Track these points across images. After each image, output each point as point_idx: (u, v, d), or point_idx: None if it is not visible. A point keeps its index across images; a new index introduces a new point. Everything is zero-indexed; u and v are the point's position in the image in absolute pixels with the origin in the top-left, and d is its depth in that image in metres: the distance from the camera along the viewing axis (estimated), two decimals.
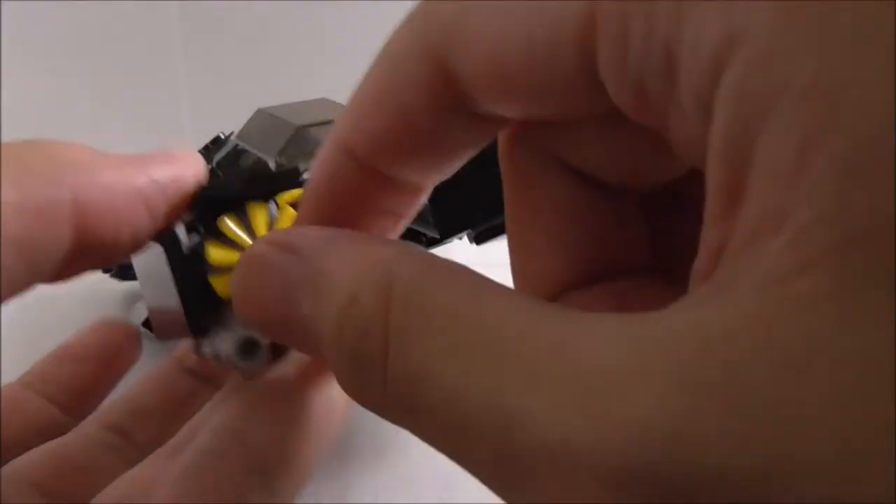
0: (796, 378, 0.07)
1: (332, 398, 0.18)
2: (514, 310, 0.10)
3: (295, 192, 0.20)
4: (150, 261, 0.17)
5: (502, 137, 0.14)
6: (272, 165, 0.22)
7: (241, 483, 0.16)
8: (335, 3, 0.57)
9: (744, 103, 0.08)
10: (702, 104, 0.09)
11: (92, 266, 0.17)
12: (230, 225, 0.18)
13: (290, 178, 0.20)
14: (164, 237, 0.18)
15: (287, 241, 0.13)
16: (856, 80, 0.07)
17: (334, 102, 0.25)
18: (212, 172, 0.31)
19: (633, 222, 0.14)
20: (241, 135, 0.23)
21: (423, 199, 0.15)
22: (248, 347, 0.17)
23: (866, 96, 0.07)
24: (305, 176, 0.21)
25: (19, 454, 0.20)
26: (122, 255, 0.17)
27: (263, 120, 0.24)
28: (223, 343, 0.17)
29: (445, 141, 0.13)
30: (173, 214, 0.17)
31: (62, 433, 0.21)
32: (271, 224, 0.19)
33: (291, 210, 0.19)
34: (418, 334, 0.10)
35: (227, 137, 0.33)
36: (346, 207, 0.15)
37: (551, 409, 0.08)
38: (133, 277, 0.36)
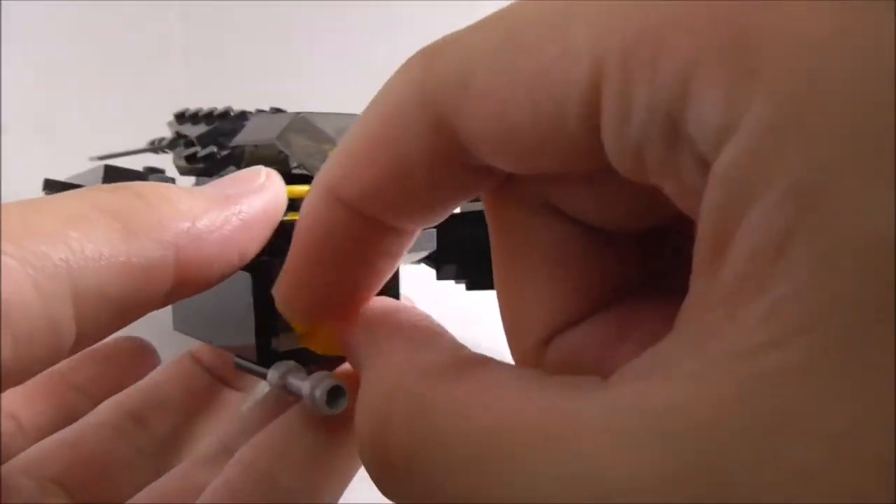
0: (776, 454, 0.08)
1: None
2: (514, 400, 0.10)
3: None
4: (226, 285, 0.18)
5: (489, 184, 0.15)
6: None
7: None
8: (335, 3, 0.57)
9: (732, 184, 0.09)
10: (702, 172, 0.09)
11: (176, 301, 0.17)
12: None
13: None
14: (257, 266, 0.18)
15: (367, 318, 0.15)
16: (835, 182, 0.08)
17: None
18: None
19: (625, 256, 0.14)
20: (280, 139, 0.23)
21: (414, 239, 0.16)
22: (336, 393, 0.18)
23: (843, 199, 0.08)
24: None
25: (45, 435, 0.20)
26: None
27: (303, 127, 0.24)
28: (313, 385, 0.18)
29: (439, 191, 0.14)
30: (262, 245, 0.17)
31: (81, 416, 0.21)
32: None
33: None
34: (422, 445, 0.11)
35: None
36: (337, 250, 0.15)
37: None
38: None
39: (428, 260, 0.27)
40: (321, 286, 0.16)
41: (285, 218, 0.18)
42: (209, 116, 0.33)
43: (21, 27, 0.58)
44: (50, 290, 0.13)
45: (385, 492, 0.12)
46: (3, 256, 0.12)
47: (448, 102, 0.12)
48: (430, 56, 0.12)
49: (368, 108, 0.14)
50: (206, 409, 0.23)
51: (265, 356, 0.19)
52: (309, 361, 0.19)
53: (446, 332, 0.14)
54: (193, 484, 0.19)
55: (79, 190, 0.15)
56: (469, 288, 0.27)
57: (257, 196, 0.17)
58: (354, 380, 0.18)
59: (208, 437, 0.22)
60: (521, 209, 0.14)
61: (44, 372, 0.24)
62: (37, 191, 0.36)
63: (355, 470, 0.19)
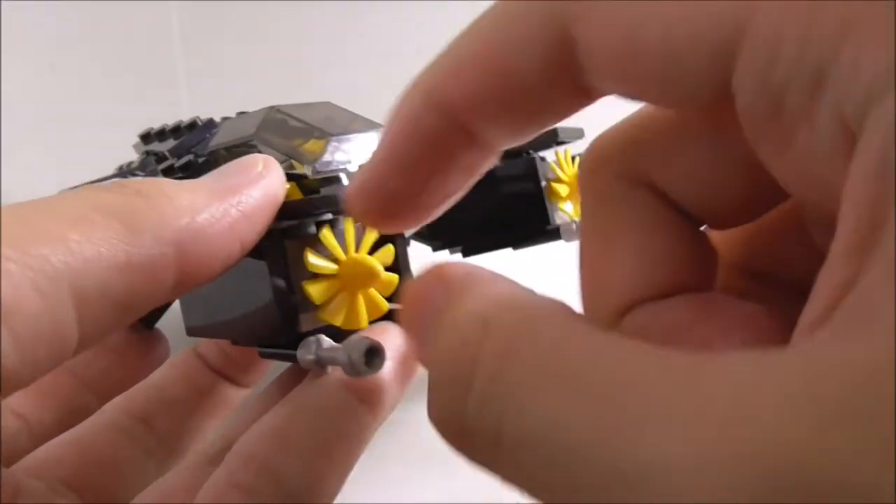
0: None
1: (363, 424, 0.18)
2: (627, 351, 0.10)
3: None
4: (239, 274, 0.18)
5: (586, 154, 0.15)
6: (308, 174, 0.22)
7: None
8: (335, 3, 0.57)
9: (894, 141, 0.08)
10: (844, 128, 0.09)
11: (180, 296, 0.17)
12: (329, 236, 0.19)
13: None
14: (270, 252, 0.18)
15: (442, 273, 0.14)
16: None
17: (340, 108, 0.25)
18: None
19: (708, 250, 0.14)
20: (259, 136, 0.23)
21: (494, 159, 0.15)
22: (373, 355, 0.18)
23: None
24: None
25: (56, 434, 0.20)
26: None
27: (282, 120, 0.24)
28: (347, 350, 0.18)
29: (540, 106, 0.13)
30: (260, 234, 0.17)
31: (89, 416, 0.21)
32: (358, 238, 0.20)
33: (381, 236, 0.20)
34: (515, 365, 0.10)
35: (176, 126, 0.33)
36: (424, 161, 0.15)
37: (688, 454, 0.08)
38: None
39: (419, 237, 0.28)
40: (395, 189, 0.15)
41: (289, 200, 0.18)
42: (176, 130, 0.33)
43: (21, 27, 0.57)
44: (51, 293, 0.13)
45: (446, 416, 0.11)
46: (3, 261, 0.12)
47: (575, 13, 0.12)
48: None
49: (479, 21, 0.13)
50: (210, 406, 0.23)
51: (290, 338, 0.19)
52: (332, 337, 0.19)
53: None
54: (196, 480, 0.19)
55: (77, 190, 0.15)
56: (465, 255, 0.27)
57: (255, 185, 0.17)
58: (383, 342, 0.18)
59: (212, 433, 0.22)
60: (621, 182, 0.14)
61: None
62: (37, 191, 0.36)
63: (357, 457, 0.19)
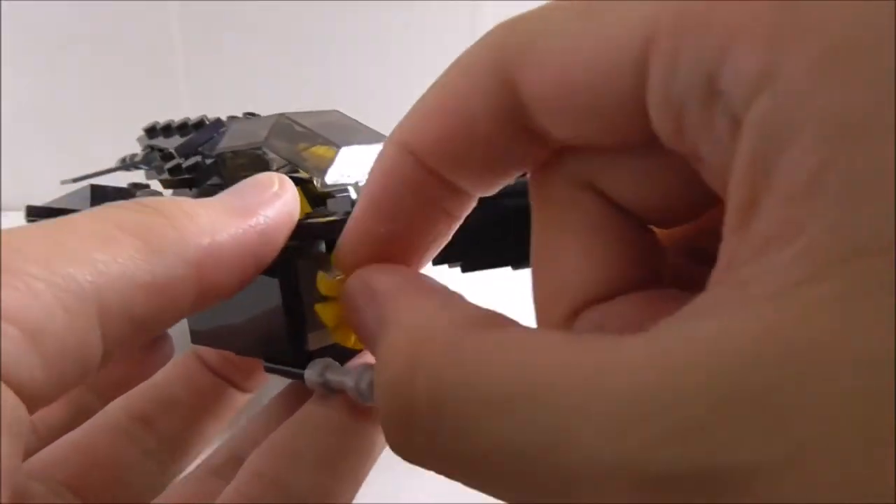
0: (818, 378, 0.08)
1: (372, 443, 0.19)
2: (548, 347, 0.11)
3: None
4: (250, 290, 0.18)
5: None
6: (318, 185, 0.22)
7: None
8: (335, 3, 0.57)
9: (768, 130, 0.09)
10: (734, 128, 0.10)
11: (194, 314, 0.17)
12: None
13: None
14: (282, 270, 0.18)
15: (370, 284, 0.15)
16: (867, 121, 0.09)
17: (347, 117, 0.25)
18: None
19: (656, 247, 0.15)
20: (268, 143, 0.24)
21: (473, 204, 0.16)
22: None
23: (876, 135, 0.08)
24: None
25: (57, 436, 0.20)
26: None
27: (291, 128, 0.24)
28: (355, 378, 0.18)
29: (501, 154, 0.14)
30: (277, 253, 0.17)
31: (92, 415, 0.21)
32: None
33: None
34: (452, 387, 0.11)
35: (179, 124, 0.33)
36: (405, 204, 0.15)
37: (596, 435, 0.09)
38: None
39: None
40: (380, 239, 0.16)
41: (303, 221, 0.18)
42: (183, 127, 0.32)
43: (21, 27, 0.58)
44: (78, 312, 0.13)
45: (402, 444, 0.12)
46: (31, 280, 0.13)
47: (516, 61, 0.13)
48: (509, 23, 0.13)
49: (444, 72, 0.14)
50: (212, 409, 0.23)
51: (299, 357, 0.19)
52: (339, 357, 0.19)
53: (461, 294, 0.14)
54: (201, 492, 0.19)
55: (100, 209, 0.15)
56: (464, 270, 0.27)
57: (272, 205, 0.17)
58: None
59: (216, 442, 0.22)
60: (566, 186, 0.15)
61: None
62: (37, 191, 0.36)
63: (367, 472, 0.19)
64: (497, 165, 0.15)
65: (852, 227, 0.08)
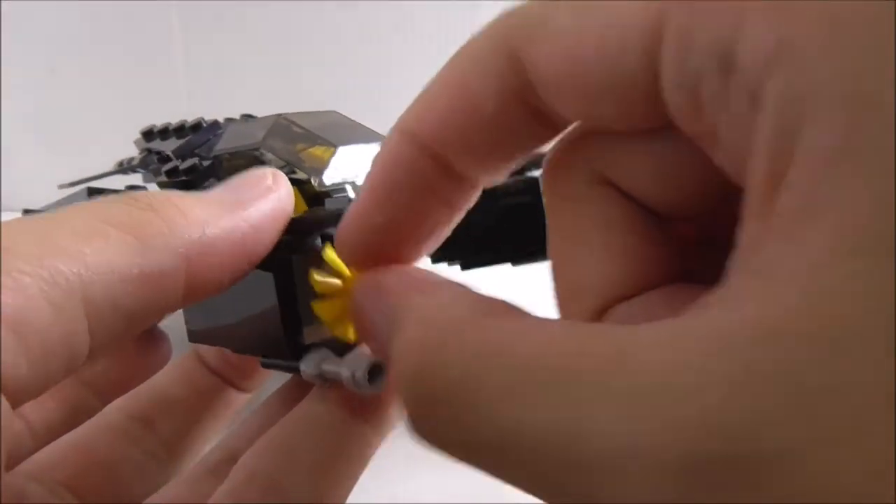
0: (849, 358, 0.08)
1: (366, 442, 0.19)
2: (566, 333, 0.10)
3: None
4: (244, 285, 0.18)
5: (548, 155, 0.15)
6: (315, 184, 0.22)
7: None
8: (335, 3, 0.57)
9: (787, 102, 0.09)
10: (753, 104, 0.10)
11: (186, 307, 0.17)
12: (332, 255, 0.19)
13: None
14: (277, 265, 0.18)
15: (378, 281, 0.15)
16: (878, 84, 0.08)
17: (345, 117, 0.25)
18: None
19: (675, 240, 0.15)
20: (266, 144, 0.24)
21: (477, 195, 0.16)
22: (376, 372, 0.18)
23: (887, 99, 0.08)
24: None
25: (56, 437, 0.20)
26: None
27: (289, 129, 0.24)
28: (351, 365, 0.18)
29: (505, 135, 0.14)
30: (268, 248, 0.17)
31: (91, 416, 0.21)
32: None
33: None
34: (471, 374, 0.11)
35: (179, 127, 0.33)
36: (406, 193, 0.15)
37: (617, 419, 0.09)
38: None
39: None
40: (379, 229, 0.16)
41: (298, 216, 0.18)
42: (180, 130, 0.32)
43: (21, 27, 0.58)
44: (65, 306, 0.13)
45: (423, 429, 0.12)
46: (18, 274, 0.13)
47: (524, 41, 0.13)
48: (516, 6, 0.13)
49: (451, 59, 0.14)
50: (211, 409, 0.23)
51: (294, 351, 0.19)
52: (336, 350, 0.19)
53: (468, 284, 0.14)
54: (197, 491, 0.19)
55: (89, 203, 0.15)
56: (464, 268, 0.27)
57: (265, 199, 0.17)
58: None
59: (213, 441, 0.22)
60: (578, 181, 0.14)
61: None
62: (37, 192, 0.36)
63: (361, 471, 0.19)
64: (503, 148, 0.14)
65: (888, 194, 0.08)
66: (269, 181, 0.18)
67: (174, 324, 0.23)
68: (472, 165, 0.15)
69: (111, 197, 0.16)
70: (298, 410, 0.19)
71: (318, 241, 0.19)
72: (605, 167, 0.14)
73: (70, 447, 0.20)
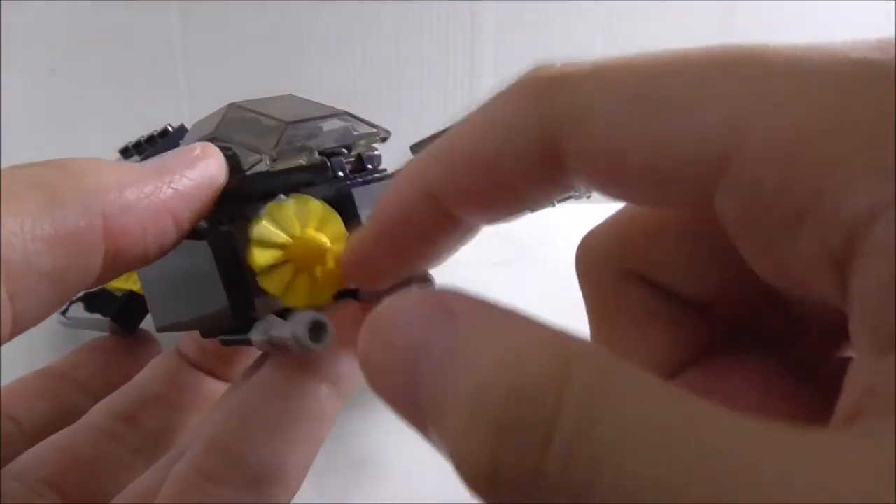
0: None
1: (321, 401, 0.18)
2: (717, 415, 0.10)
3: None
4: (173, 255, 0.18)
5: (580, 253, 0.16)
6: (266, 162, 0.22)
7: (237, 501, 0.17)
8: (336, 3, 0.57)
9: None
10: (826, 252, 0.10)
11: (116, 277, 0.17)
12: (269, 226, 0.19)
13: (319, 173, 0.21)
14: (211, 234, 0.18)
15: (447, 304, 0.12)
16: None
17: (301, 98, 0.26)
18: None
19: (702, 320, 0.15)
20: (221, 132, 0.24)
21: (474, 236, 0.17)
22: (318, 329, 0.17)
23: None
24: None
25: (47, 435, 0.20)
26: (149, 264, 0.17)
27: (240, 115, 0.24)
28: (291, 326, 0.17)
29: (525, 200, 0.15)
30: (199, 216, 0.17)
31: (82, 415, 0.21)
32: (306, 218, 0.19)
33: (327, 208, 0.20)
34: (605, 417, 0.10)
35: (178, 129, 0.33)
36: (408, 238, 0.16)
37: None
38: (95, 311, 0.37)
39: None
40: (380, 259, 0.17)
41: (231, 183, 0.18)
42: (151, 140, 0.33)
43: (21, 27, 0.57)
44: None
45: (490, 455, 0.10)
46: None
47: (564, 128, 0.13)
48: (548, 84, 0.13)
49: (473, 121, 0.14)
50: (194, 402, 0.23)
51: (247, 324, 0.19)
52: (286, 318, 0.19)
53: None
54: (164, 476, 0.19)
55: (7, 168, 0.15)
56: None
57: (191, 168, 0.17)
58: (341, 318, 0.18)
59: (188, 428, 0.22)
60: (613, 275, 0.15)
61: (42, 372, 0.25)
62: None
63: (323, 430, 0.18)
64: (517, 209, 0.15)
65: None
66: (198, 151, 0.18)
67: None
68: (484, 220, 0.15)
69: (28, 163, 0.16)
70: (251, 378, 0.19)
71: (263, 210, 0.19)
72: (633, 261, 0.15)
73: (52, 447, 0.20)
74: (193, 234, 0.18)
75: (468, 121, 0.14)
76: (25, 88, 0.58)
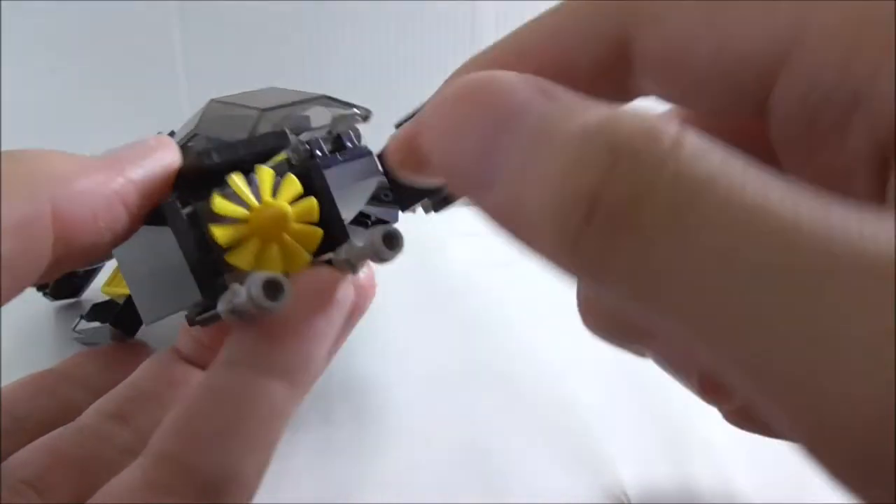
0: None
1: (273, 399, 0.18)
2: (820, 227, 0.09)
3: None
4: (145, 244, 0.18)
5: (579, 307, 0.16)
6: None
7: None
8: (336, 3, 0.57)
9: None
10: (874, 146, 0.11)
11: (74, 266, 0.17)
12: (237, 182, 0.19)
13: (278, 141, 0.21)
14: (166, 209, 0.18)
15: (547, 87, 0.12)
16: None
17: (282, 89, 0.26)
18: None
19: None
20: (202, 127, 0.24)
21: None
22: (273, 287, 0.17)
23: None
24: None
25: (44, 433, 0.20)
26: (105, 252, 0.17)
27: (220, 110, 0.24)
28: (247, 287, 0.17)
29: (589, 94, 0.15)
30: (154, 202, 0.17)
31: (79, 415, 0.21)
32: (276, 186, 0.19)
33: (281, 171, 0.20)
34: (716, 154, 0.10)
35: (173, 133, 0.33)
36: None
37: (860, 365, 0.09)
38: (67, 296, 0.37)
39: (378, 202, 0.27)
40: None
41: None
42: None
43: (21, 27, 0.57)
44: None
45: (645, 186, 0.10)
46: None
47: (637, 16, 0.13)
48: None
49: (543, 23, 0.15)
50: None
51: (212, 297, 0.18)
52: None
53: None
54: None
55: None
56: (436, 209, 0.27)
57: (144, 158, 0.18)
58: (315, 281, 0.18)
59: None
60: None
61: (45, 373, 0.24)
62: None
63: (278, 429, 0.18)
64: None
65: None
66: (152, 143, 0.18)
67: (166, 326, 0.23)
68: None
69: None
70: (200, 382, 0.18)
71: (221, 188, 0.19)
72: None
73: (38, 449, 0.20)
74: (162, 219, 0.18)
75: (541, 15, 0.15)
76: (25, 88, 0.58)
